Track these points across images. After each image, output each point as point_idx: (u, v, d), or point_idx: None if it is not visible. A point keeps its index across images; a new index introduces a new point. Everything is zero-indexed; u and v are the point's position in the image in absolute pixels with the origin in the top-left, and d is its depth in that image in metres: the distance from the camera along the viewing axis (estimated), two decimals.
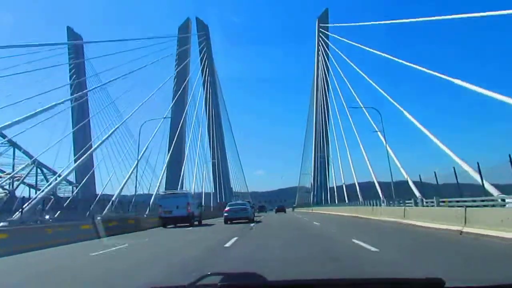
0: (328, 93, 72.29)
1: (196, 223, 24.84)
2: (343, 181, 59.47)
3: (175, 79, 67.96)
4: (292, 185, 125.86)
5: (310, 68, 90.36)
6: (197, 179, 63.31)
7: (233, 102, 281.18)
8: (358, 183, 52.96)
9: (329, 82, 70.95)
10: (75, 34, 70.06)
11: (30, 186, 58.75)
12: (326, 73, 72.05)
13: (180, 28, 75.96)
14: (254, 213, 31.51)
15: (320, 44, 74.62)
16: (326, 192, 76.66)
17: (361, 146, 48.61)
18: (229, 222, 23.91)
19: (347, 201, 49.57)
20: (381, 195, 34.34)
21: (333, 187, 70.01)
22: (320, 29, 74.33)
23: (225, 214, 25.42)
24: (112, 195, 60.40)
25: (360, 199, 40.86)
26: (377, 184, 39.90)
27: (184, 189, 47.90)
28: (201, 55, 78.39)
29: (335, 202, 61.68)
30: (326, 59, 71.07)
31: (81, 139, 58.50)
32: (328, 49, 70.18)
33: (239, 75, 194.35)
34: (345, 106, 57.50)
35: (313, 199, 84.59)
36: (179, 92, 63.38)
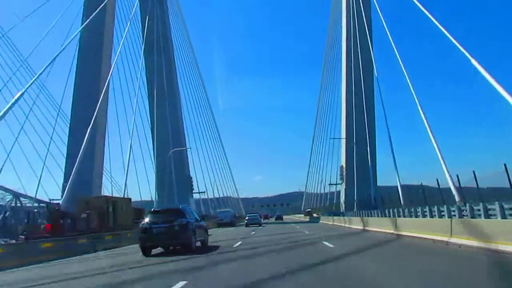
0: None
1: (234, 226, 46.87)
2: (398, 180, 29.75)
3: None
4: (295, 190, 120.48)
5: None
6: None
7: (228, 106, 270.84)
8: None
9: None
10: None
11: None
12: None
13: None
14: (261, 220, 49.30)
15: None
16: (375, 191, 44.80)
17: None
18: (247, 226, 41.76)
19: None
20: None
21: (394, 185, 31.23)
22: None
23: (246, 221, 43.86)
24: None
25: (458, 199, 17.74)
26: None
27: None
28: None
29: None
30: None
31: None
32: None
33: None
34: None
35: (347, 202, 52.33)
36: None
